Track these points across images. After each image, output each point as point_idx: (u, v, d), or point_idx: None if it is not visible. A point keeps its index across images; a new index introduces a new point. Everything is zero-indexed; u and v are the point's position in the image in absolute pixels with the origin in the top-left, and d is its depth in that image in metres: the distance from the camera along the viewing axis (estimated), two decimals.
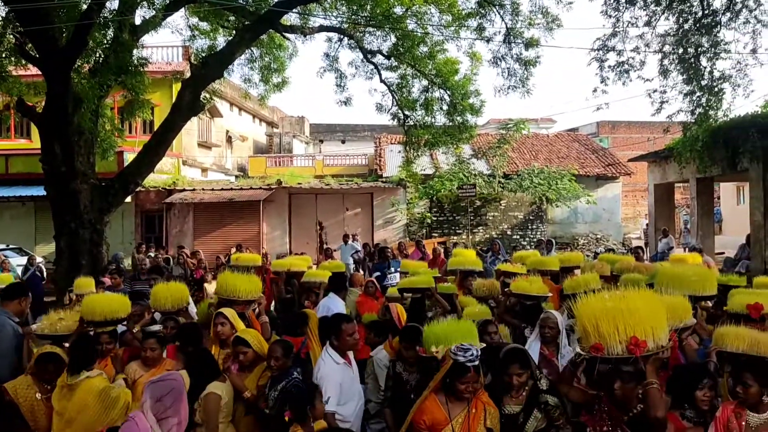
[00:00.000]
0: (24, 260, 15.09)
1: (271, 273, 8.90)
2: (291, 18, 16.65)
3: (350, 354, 4.85)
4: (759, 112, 15.54)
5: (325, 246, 16.64)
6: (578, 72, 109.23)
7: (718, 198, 27.93)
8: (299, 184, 23.43)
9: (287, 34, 16.02)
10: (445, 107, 17.01)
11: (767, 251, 12.96)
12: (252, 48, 16.24)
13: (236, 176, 29.64)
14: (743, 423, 3.56)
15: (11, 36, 13.17)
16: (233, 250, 17.70)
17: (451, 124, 17.15)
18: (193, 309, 6.27)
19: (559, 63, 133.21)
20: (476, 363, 3.70)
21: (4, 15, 13.18)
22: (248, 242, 20.88)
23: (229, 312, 5.24)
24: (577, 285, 5.83)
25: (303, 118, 39.57)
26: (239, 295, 5.63)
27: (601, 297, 3.50)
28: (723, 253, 15.85)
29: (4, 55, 13.30)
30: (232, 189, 22.85)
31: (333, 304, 6.88)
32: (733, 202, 27.14)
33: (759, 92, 62.39)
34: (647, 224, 24.63)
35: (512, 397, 4.02)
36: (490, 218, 23.59)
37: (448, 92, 16.62)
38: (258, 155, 32.92)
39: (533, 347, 4.77)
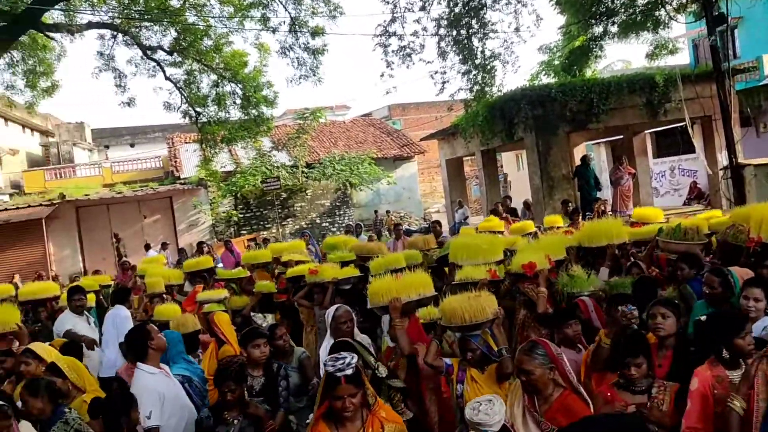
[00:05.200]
0: None
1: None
2: (54, 15, 15.07)
3: (164, 366, 4.50)
4: (528, 86, 17.18)
5: (123, 259, 15.42)
6: (368, 57, 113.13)
7: (502, 166, 30.62)
8: (86, 195, 21.45)
9: (51, 34, 14.50)
10: (238, 101, 16.64)
11: (547, 210, 14.41)
12: (11, 51, 14.46)
13: (10, 194, 26.37)
14: (726, 385, 3.40)
15: None
16: (15, 278, 15.78)
17: (246, 117, 16.81)
18: None
19: (349, 50, 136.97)
20: (348, 372, 3.19)
21: None
22: (34, 266, 18.69)
23: (39, 347, 4.67)
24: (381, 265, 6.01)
25: (83, 124, 36.23)
26: None
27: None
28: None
29: None
30: (6, 209, 20.29)
31: (122, 313, 6.89)
32: (514, 168, 29.90)
33: (525, 67, 69.46)
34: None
35: None
36: (298, 209, 23.60)
37: (240, 85, 16.25)
38: (34, 169, 29.57)
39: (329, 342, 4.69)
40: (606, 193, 21.56)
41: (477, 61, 14.26)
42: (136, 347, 4.40)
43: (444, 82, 14.73)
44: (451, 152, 21.31)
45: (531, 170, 15.76)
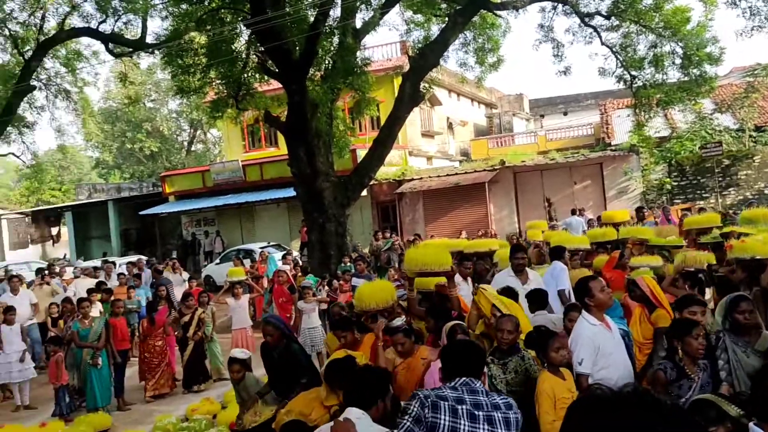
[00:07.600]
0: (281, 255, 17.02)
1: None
2: None
3: (608, 319, 4.64)
4: None
5: (553, 222, 16.32)
6: None
7: None
8: (523, 162, 23.14)
9: (499, 12, 15.93)
10: (677, 61, 15.71)
11: None
12: (465, 31, 16.43)
13: (459, 161, 30.16)
14: None
15: (254, 56, 14.96)
16: (462, 233, 18.15)
17: (686, 78, 15.75)
18: None
19: None
20: None
21: (247, 38, 15.02)
22: (477, 224, 21.19)
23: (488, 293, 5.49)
24: None
25: (521, 95, 38.91)
26: (431, 267, 5.75)
27: None
28: None
29: (249, 74, 15.14)
30: (456, 174, 23.32)
31: (558, 266, 7.32)
32: None
33: None
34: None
35: None
36: (742, 177, 21.06)
37: (680, 44, 15.26)
38: (479, 138, 33.13)
39: None
40: None
41: None
42: (579, 296, 4.81)
43: None
44: None
45: None
